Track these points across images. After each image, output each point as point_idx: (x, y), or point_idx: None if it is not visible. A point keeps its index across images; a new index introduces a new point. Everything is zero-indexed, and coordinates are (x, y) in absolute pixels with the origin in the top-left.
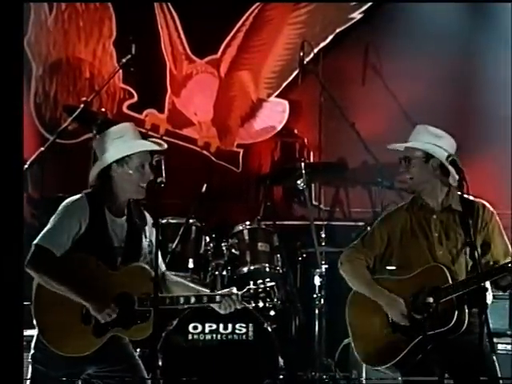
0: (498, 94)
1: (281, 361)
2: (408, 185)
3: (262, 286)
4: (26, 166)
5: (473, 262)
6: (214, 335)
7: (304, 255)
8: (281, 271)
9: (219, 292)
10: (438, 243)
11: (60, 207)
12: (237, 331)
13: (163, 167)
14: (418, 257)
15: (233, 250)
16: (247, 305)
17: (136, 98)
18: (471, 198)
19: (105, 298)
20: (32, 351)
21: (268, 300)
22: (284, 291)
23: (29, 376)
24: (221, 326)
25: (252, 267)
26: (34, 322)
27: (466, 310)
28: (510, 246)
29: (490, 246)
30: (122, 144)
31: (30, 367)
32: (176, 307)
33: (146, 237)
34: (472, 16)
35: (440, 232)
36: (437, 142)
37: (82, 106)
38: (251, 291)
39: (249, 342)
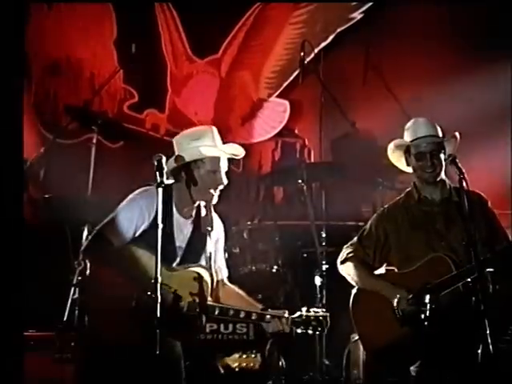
0: (498, 94)
1: (282, 361)
2: (433, 176)
3: (314, 313)
4: (25, 166)
5: (473, 251)
6: (215, 335)
7: (304, 255)
8: (281, 271)
9: (270, 312)
10: (439, 235)
11: (129, 197)
12: (237, 331)
13: (164, 167)
14: (419, 249)
15: (233, 250)
16: (296, 329)
17: (137, 97)
18: (465, 188)
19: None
20: None
21: (319, 329)
22: (284, 291)
23: None
24: (221, 326)
25: (253, 267)
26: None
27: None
28: (507, 234)
29: (489, 235)
30: (198, 146)
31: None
32: (225, 318)
33: (209, 241)
34: (472, 16)
35: (441, 224)
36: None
37: (82, 106)
38: (303, 317)
39: (249, 342)
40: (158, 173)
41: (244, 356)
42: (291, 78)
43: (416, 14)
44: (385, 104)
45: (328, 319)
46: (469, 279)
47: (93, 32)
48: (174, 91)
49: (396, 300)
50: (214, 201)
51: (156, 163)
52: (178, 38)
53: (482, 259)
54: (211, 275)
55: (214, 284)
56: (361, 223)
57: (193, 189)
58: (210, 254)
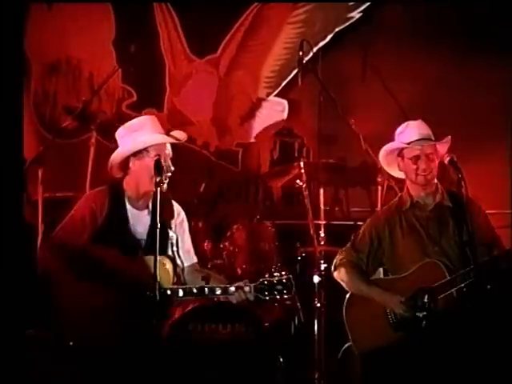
0: (498, 94)
1: (281, 360)
2: (428, 179)
3: (277, 277)
4: (25, 166)
5: (466, 256)
6: (214, 335)
7: (303, 254)
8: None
9: (234, 285)
10: (432, 240)
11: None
12: (236, 331)
13: (163, 166)
14: (412, 255)
15: (231, 249)
16: (262, 297)
17: (135, 97)
18: (455, 191)
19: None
20: None
21: (285, 292)
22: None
23: None
24: (220, 325)
25: (251, 267)
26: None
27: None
28: (495, 234)
29: (481, 236)
30: (139, 137)
31: None
32: (190, 298)
33: (170, 230)
34: (472, 16)
35: (434, 229)
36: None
37: (81, 105)
38: (266, 283)
39: (248, 342)
40: (156, 172)
41: None
42: (290, 77)
43: (415, 13)
44: (384, 103)
45: (292, 281)
46: (463, 285)
47: (92, 32)
48: (173, 91)
49: (389, 306)
50: (164, 189)
51: (154, 163)
52: (177, 37)
53: (476, 265)
54: (173, 262)
55: (181, 270)
56: (359, 223)
57: (141, 179)
58: (172, 242)
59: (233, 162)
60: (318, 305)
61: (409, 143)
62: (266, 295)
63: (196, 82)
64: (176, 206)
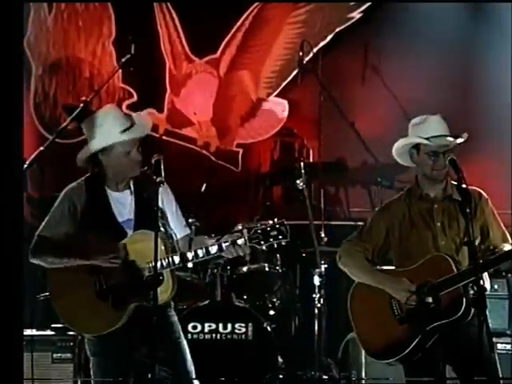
0: (498, 94)
1: (281, 360)
2: (442, 174)
3: (270, 224)
4: (25, 166)
5: (473, 251)
6: (214, 335)
7: (303, 255)
8: (280, 271)
9: (226, 239)
10: (441, 233)
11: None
12: (236, 331)
13: (162, 167)
14: (419, 247)
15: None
16: (258, 246)
17: (135, 97)
18: (464, 186)
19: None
20: (86, 346)
21: (280, 237)
22: (284, 291)
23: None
24: (220, 325)
25: (251, 267)
26: (56, 310)
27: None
28: (505, 231)
29: (488, 232)
30: (102, 133)
31: (91, 363)
32: (187, 263)
33: (156, 207)
34: (472, 16)
35: (443, 222)
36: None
37: (81, 105)
38: (259, 231)
39: (248, 342)
40: (156, 172)
41: None
42: (290, 77)
43: (415, 13)
44: (384, 103)
45: (287, 226)
46: (465, 281)
47: (92, 32)
48: (173, 91)
49: (396, 292)
50: (137, 173)
51: (154, 163)
52: (177, 37)
53: (486, 261)
54: (164, 235)
55: (176, 242)
56: (360, 223)
57: (114, 170)
58: (161, 216)
59: (233, 162)
60: (318, 305)
61: (429, 138)
62: (262, 244)
63: (196, 82)
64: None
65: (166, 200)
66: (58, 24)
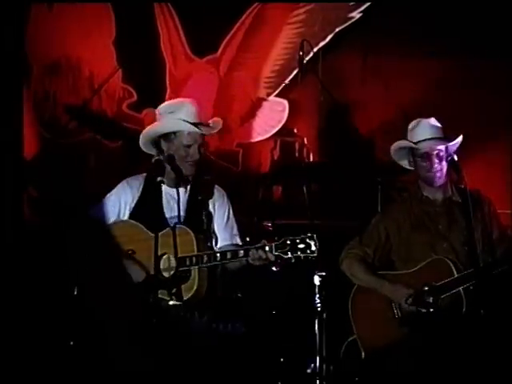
0: (499, 94)
1: (281, 360)
2: (438, 176)
3: (299, 236)
4: (25, 166)
5: (474, 254)
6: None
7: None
8: (280, 271)
9: (254, 246)
10: (441, 236)
11: None
12: (236, 330)
13: (164, 166)
14: (420, 250)
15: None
16: (284, 256)
17: (135, 97)
18: (463, 187)
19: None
20: None
21: (309, 252)
22: (283, 291)
23: None
24: (220, 325)
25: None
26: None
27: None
28: (506, 231)
29: (490, 234)
30: (171, 119)
31: None
32: (215, 264)
33: (206, 209)
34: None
35: (443, 224)
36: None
37: (81, 105)
38: (288, 242)
39: (248, 342)
40: (156, 172)
41: None
42: (290, 77)
43: (415, 13)
44: (384, 103)
45: (316, 239)
46: (469, 284)
47: (92, 32)
48: (173, 90)
49: (396, 298)
50: (190, 172)
51: (154, 162)
52: (177, 37)
53: (486, 264)
54: (201, 235)
55: (213, 245)
56: (360, 223)
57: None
58: (204, 220)
59: (233, 162)
60: (318, 305)
61: (418, 142)
62: (289, 254)
63: (196, 81)
64: (219, 189)
65: (219, 204)
66: (58, 24)
